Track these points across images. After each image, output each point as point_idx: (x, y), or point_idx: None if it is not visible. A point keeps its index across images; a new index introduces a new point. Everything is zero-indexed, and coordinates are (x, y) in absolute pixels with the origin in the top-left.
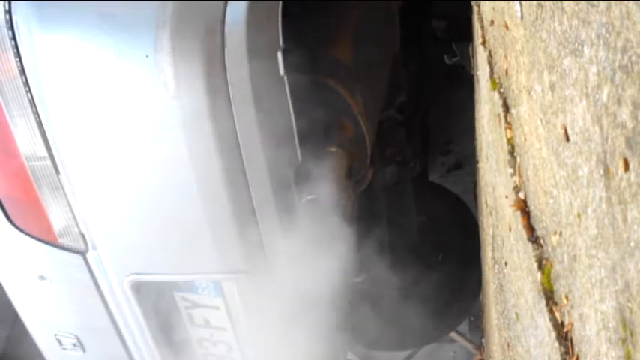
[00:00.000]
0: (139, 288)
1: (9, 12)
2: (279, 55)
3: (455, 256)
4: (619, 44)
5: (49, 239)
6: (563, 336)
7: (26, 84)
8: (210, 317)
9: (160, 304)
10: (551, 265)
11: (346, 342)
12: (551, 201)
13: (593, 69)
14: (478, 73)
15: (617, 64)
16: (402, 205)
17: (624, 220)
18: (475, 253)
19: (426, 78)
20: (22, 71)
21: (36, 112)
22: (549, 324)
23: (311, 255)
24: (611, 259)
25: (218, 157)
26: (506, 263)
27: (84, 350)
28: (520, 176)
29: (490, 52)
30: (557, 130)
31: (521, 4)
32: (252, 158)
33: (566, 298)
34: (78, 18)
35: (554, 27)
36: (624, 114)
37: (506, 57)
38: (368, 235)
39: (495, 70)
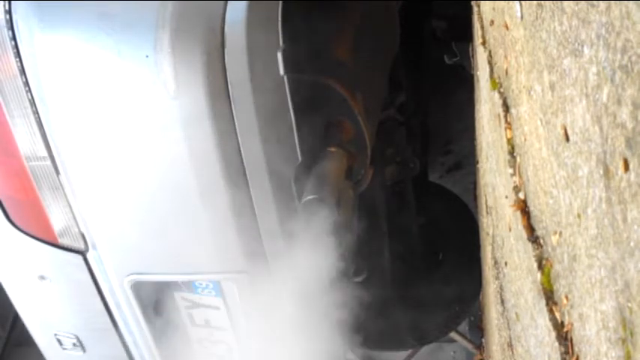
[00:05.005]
0: (139, 288)
1: (9, 12)
2: (279, 55)
3: (455, 257)
4: (619, 44)
5: (49, 239)
6: (563, 336)
7: (26, 84)
8: (210, 317)
9: (160, 304)
10: (551, 265)
11: (346, 342)
12: (551, 201)
13: (593, 69)
14: (478, 73)
15: (617, 64)
16: (402, 205)
17: (624, 220)
18: (475, 253)
19: (426, 78)
20: (22, 71)
21: (36, 112)
22: (549, 324)
23: (311, 255)
24: (611, 259)
25: (218, 157)
26: (506, 263)
27: (84, 350)
28: (520, 176)
29: (490, 52)
30: (557, 130)
31: (521, 4)
32: (252, 158)
33: (566, 298)
34: (78, 18)
35: (554, 27)
36: (624, 114)
37: (506, 57)
38: (368, 235)
39: (495, 70)
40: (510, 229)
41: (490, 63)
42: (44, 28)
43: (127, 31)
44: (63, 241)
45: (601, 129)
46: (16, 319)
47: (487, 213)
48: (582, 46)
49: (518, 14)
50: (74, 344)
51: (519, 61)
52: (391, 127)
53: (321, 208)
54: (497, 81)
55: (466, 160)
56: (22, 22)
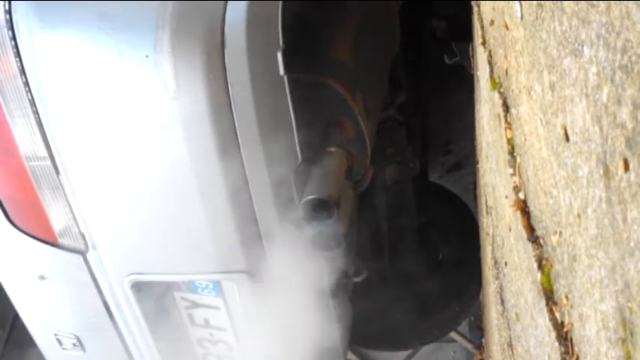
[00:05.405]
0: (139, 288)
1: (9, 12)
2: (279, 55)
3: (455, 257)
4: (619, 44)
5: (49, 239)
6: (563, 336)
7: (26, 84)
8: (210, 317)
9: (160, 304)
10: (551, 265)
11: (346, 342)
12: (551, 201)
13: (593, 69)
14: (478, 73)
15: (617, 64)
16: (402, 205)
17: (624, 220)
18: (475, 253)
19: (426, 78)
20: (22, 71)
21: (36, 112)
22: (549, 324)
23: (311, 255)
24: (611, 259)
25: (218, 157)
26: (506, 263)
27: (84, 350)
28: (520, 176)
29: (490, 52)
30: (557, 130)
31: (521, 4)
32: (252, 158)
33: (566, 298)
34: (78, 18)
35: (554, 27)
36: (624, 114)
37: (506, 57)
38: (368, 235)
39: (495, 70)
40: (510, 229)
41: (490, 63)
42: (44, 28)
43: (127, 31)
44: (63, 241)
45: (601, 129)
46: (16, 319)
47: (487, 213)
48: (582, 46)
49: (518, 14)
50: (74, 344)
51: (519, 61)
52: (391, 127)
53: (321, 207)
54: (497, 81)
55: (466, 160)
56: (22, 22)
